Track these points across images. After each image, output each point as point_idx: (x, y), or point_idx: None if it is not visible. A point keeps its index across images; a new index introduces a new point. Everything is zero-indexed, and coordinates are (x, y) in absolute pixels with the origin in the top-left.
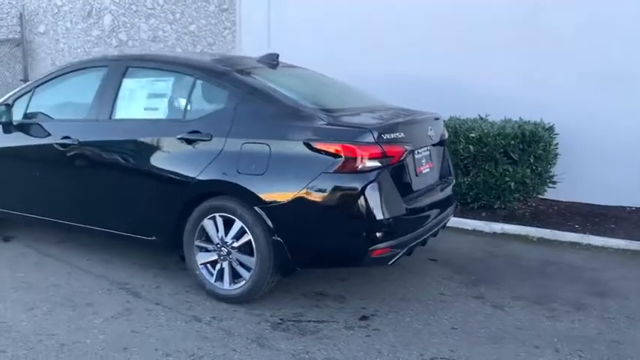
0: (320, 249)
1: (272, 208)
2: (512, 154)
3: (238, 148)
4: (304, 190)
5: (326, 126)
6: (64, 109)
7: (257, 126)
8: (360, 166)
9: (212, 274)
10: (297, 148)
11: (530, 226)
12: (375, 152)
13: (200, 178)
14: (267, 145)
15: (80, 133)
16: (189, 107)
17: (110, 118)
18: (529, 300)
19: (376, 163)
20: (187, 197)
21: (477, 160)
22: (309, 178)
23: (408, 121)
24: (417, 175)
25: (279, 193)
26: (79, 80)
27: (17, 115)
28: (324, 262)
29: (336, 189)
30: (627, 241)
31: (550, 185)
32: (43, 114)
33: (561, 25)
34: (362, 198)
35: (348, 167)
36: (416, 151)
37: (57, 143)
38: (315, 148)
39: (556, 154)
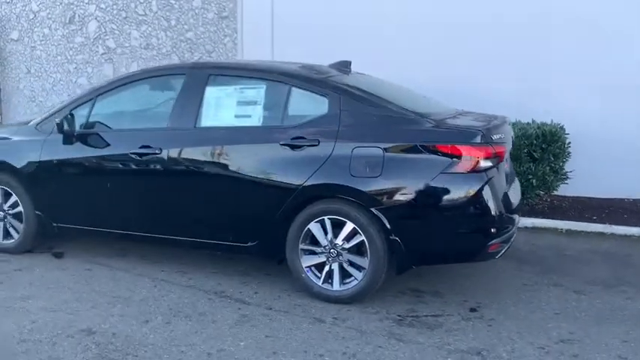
0: (439, 246)
1: (390, 208)
2: (534, 153)
3: (349, 152)
4: (424, 191)
5: (439, 129)
6: (136, 118)
7: (367, 130)
8: (477, 166)
9: (319, 277)
10: (413, 150)
11: (554, 219)
12: (488, 152)
13: (309, 182)
14: (380, 148)
15: (162, 142)
16: (286, 114)
17: (195, 126)
18: (601, 284)
19: (489, 163)
20: (294, 202)
21: None
22: (428, 179)
23: (501, 123)
24: (505, 174)
25: (397, 195)
26: (151, 88)
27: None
28: (441, 258)
29: (455, 188)
30: None
31: (564, 182)
32: (108, 124)
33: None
34: (480, 196)
35: (467, 167)
36: None
37: (134, 153)
38: (432, 150)
39: (569, 152)
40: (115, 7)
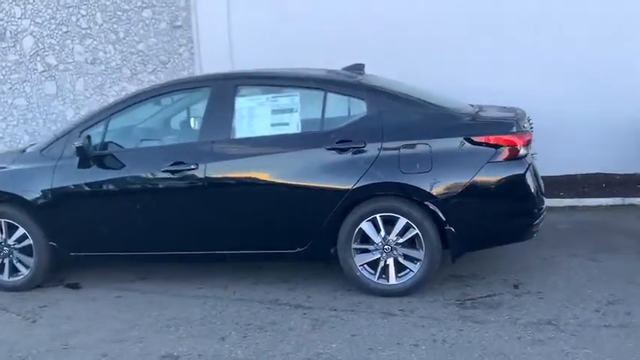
0: (491, 231)
1: (444, 200)
2: None
3: (397, 151)
4: (474, 180)
5: (478, 122)
6: (159, 134)
7: (411, 128)
8: (518, 154)
9: (373, 273)
10: (458, 143)
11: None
12: (525, 140)
13: (360, 183)
14: (428, 144)
15: (198, 157)
16: (324, 119)
17: (230, 137)
18: (606, 250)
19: (525, 150)
20: (344, 204)
21: None
22: (476, 169)
23: (523, 113)
24: None
25: (449, 186)
26: (172, 103)
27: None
28: (492, 242)
29: (503, 176)
30: None
31: None
32: (128, 142)
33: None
34: (525, 181)
35: (510, 155)
36: None
37: (166, 170)
38: (476, 142)
39: None
40: (52, 21)
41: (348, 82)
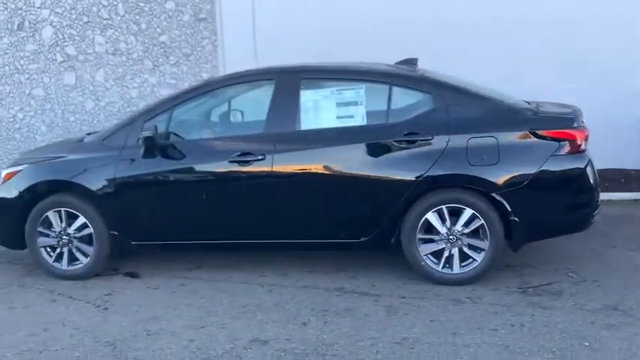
0: (554, 222)
1: (510, 192)
2: None
3: (464, 144)
4: (539, 172)
5: (541, 116)
6: (223, 125)
7: (478, 122)
8: (580, 148)
9: (437, 262)
10: (524, 137)
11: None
12: (585, 135)
13: (427, 174)
14: (495, 137)
15: (265, 148)
16: (390, 112)
17: (296, 129)
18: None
19: (585, 145)
20: (411, 195)
21: None
22: (541, 162)
23: (577, 109)
24: None
25: (515, 178)
26: (235, 95)
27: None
28: (554, 232)
29: (566, 168)
30: None
31: None
32: (193, 133)
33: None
34: (586, 173)
35: (573, 149)
36: None
37: (233, 160)
38: (541, 135)
39: None
40: (73, 11)
41: (413, 76)
